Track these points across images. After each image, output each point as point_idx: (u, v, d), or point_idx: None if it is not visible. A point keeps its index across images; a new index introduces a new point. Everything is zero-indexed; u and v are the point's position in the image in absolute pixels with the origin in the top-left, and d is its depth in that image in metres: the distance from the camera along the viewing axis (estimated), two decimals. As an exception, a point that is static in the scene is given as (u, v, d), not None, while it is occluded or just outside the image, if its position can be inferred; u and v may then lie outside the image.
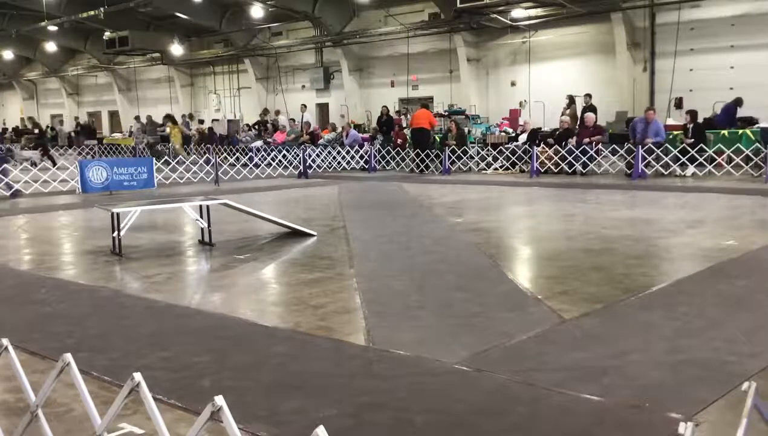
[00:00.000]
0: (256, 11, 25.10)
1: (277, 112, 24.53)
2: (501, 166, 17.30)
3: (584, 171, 15.65)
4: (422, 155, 17.80)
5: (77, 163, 13.98)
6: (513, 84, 22.24)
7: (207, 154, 17.76)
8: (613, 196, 11.81)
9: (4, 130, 36.31)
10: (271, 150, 20.27)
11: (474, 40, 22.78)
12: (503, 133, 18.87)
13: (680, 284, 5.42)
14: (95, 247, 7.71)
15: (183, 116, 26.78)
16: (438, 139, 18.67)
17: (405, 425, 2.93)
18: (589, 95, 17.46)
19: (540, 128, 18.11)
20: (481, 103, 22.79)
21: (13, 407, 3.18)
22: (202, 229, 7.76)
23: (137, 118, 28.86)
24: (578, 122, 17.07)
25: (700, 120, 15.42)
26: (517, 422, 2.96)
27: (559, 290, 5.25)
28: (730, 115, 15.66)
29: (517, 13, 20.40)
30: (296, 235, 8.05)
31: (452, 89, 23.33)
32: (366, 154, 19.21)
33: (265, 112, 26.11)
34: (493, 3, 19.37)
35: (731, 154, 14.07)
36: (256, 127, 24.29)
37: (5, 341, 2.27)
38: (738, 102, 15.82)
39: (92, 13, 24.79)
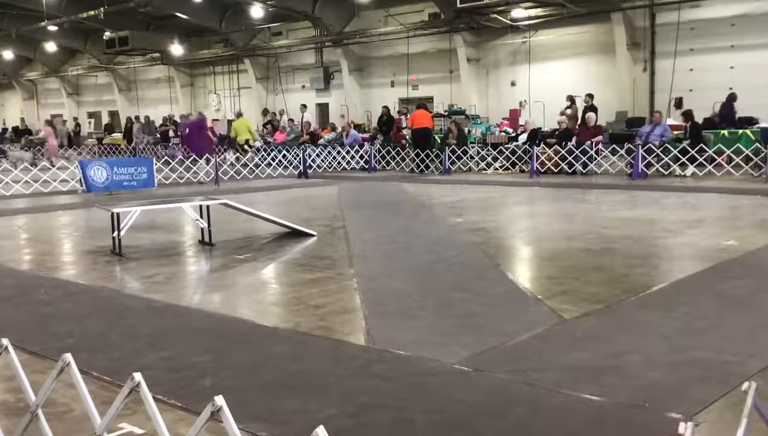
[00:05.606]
0: (256, 11, 25.09)
1: (281, 112, 24.49)
2: (501, 166, 17.29)
3: (584, 171, 15.64)
4: (422, 155, 17.79)
5: (77, 163, 13.98)
6: (513, 84, 22.23)
7: (207, 154, 17.73)
8: (613, 196, 11.80)
9: (4, 130, 36.28)
10: (271, 150, 20.27)
11: (474, 40, 22.77)
12: (503, 133, 18.87)
13: (680, 284, 5.42)
14: (95, 247, 7.71)
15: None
16: (438, 139, 18.67)
17: (405, 425, 2.93)
18: (590, 95, 17.44)
19: (540, 128, 18.11)
20: (481, 103, 22.77)
21: (13, 407, 3.18)
22: (202, 229, 7.76)
23: (137, 118, 28.84)
24: (578, 122, 17.06)
25: (699, 120, 15.40)
26: (517, 422, 2.96)
27: (559, 290, 5.25)
28: (726, 115, 15.62)
29: (517, 13, 20.39)
30: (296, 235, 8.05)
31: (452, 89, 23.32)
32: (366, 154, 19.21)
33: (265, 112, 26.07)
34: (493, 3, 19.35)
35: (731, 154, 14.07)
36: (267, 126, 24.13)
37: (5, 341, 2.27)
38: (732, 97, 15.78)
39: (92, 13, 24.75)
